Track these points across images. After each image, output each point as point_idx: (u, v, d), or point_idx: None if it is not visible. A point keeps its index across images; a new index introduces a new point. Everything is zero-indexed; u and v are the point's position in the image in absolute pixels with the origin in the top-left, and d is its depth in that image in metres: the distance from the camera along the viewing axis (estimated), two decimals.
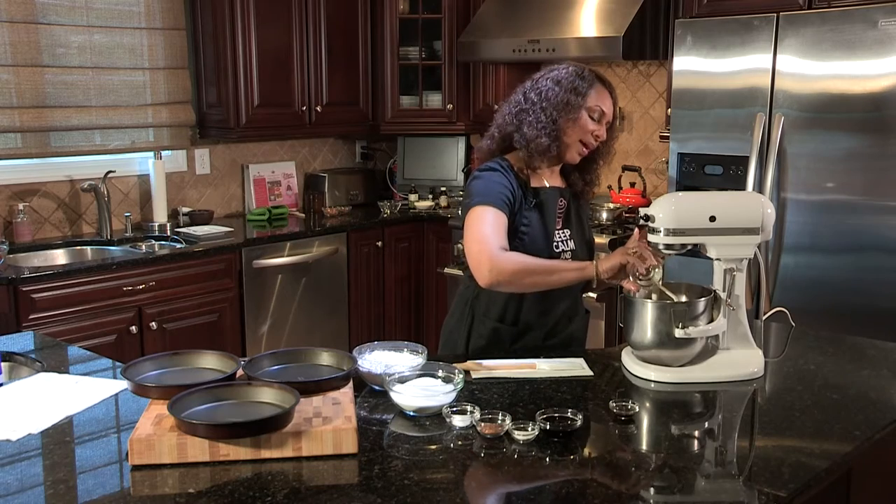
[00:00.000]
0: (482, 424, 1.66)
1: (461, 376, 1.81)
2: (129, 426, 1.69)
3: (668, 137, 3.69)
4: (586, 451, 1.64)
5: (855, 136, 3.09)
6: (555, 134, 2.18)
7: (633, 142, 4.54)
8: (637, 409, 1.79)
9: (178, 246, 3.90)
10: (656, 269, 2.01)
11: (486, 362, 2.08)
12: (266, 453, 1.54)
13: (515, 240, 2.16)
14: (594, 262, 2.11)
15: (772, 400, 1.94)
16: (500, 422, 1.66)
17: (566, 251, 2.24)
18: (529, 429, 1.64)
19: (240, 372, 1.81)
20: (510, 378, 1.99)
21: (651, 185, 4.45)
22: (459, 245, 4.22)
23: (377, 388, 1.88)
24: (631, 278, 2.03)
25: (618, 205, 4.23)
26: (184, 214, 4.28)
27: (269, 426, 1.55)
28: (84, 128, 3.91)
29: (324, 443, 1.56)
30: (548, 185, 2.26)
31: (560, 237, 2.25)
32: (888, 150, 3.02)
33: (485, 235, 2.09)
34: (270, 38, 4.23)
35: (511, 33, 4.31)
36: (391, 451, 1.61)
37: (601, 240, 3.76)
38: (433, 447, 1.63)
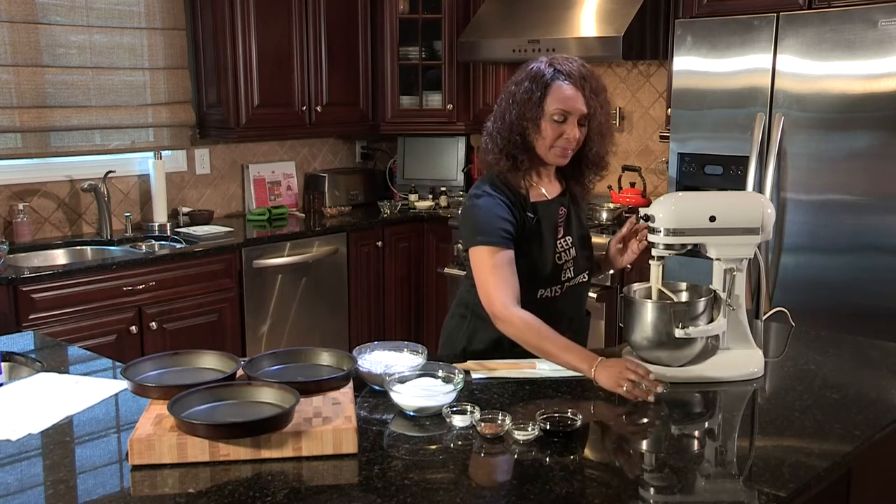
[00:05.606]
0: (482, 424, 1.66)
1: (461, 376, 1.82)
2: (129, 426, 1.69)
3: (668, 137, 3.69)
4: (586, 451, 1.64)
5: (855, 135, 3.09)
6: (517, 152, 2.10)
7: (633, 142, 4.54)
8: (669, 387, 1.87)
9: (178, 246, 3.90)
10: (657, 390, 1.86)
11: (486, 362, 2.08)
12: (266, 453, 1.54)
13: (521, 258, 2.13)
14: (593, 367, 1.90)
15: (772, 400, 1.94)
16: (500, 422, 1.66)
17: (568, 260, 2.22)
18: (529, 429, 1.64)
19: (240, 372, 1.81)
20: (510, 378, 1.99)
21: (651, 185, 4.45)
22: (459, 245, 4.22)
23: (377, 388, 1.88)
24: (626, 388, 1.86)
25: (618, 205, 4.23)
26: (184, 214, 4.28)
27: (269, 426, 1.55)
28: (84, 128, 3.91)
29: (324, 443, 1.56)
30: (548, 197, 2.21)
31: (563, 246, 2.21)
32: (888, 150, 3.02)
33: (493, 286, 2.04)
34: (270, 37, 4.23)
35: (511, 33, 4.31)
36: (391, 451, 1.61)
37: (601, 240, 3.75)
38: (433, 447, 1.63)
